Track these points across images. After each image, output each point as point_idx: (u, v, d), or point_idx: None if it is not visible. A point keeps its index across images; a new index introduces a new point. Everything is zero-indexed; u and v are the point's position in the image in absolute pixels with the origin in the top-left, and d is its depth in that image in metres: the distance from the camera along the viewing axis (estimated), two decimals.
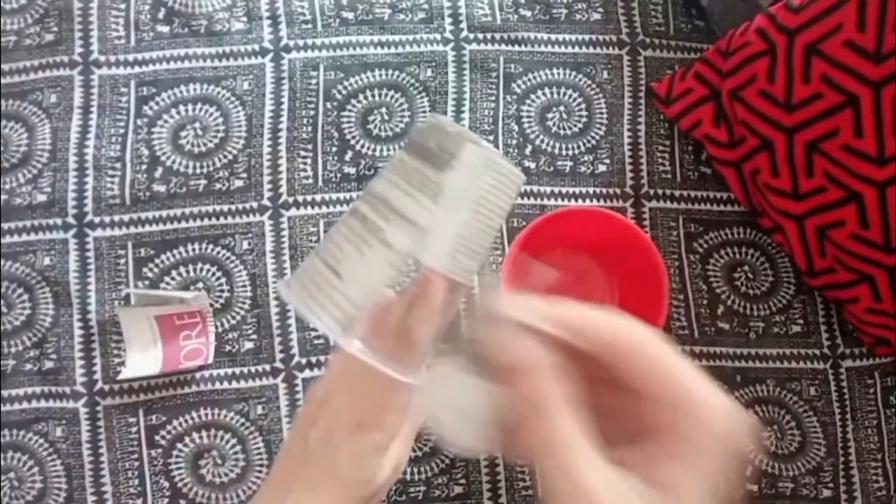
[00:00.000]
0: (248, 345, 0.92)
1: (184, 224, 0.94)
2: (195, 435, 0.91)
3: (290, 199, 0.95)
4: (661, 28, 1.02)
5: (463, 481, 0.91)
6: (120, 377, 0.87)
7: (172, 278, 0.93)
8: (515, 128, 0.99)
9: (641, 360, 0.41)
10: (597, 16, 1.02)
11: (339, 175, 0.96)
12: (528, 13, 1.01)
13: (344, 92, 0.98)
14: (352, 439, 0.53)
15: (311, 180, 0.96)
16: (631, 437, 0.41)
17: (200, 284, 0.93)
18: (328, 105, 0.98)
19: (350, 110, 0.98)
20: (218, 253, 0.94)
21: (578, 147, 0.99)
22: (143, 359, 0.87)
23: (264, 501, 0.58)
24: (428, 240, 0.51)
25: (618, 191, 0.98)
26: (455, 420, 0.46)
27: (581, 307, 0.42)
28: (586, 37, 1.01)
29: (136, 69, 0.98)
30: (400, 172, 0.52)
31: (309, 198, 0.95)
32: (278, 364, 0.92)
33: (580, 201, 0.97)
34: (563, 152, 0.98)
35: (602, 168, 0.98)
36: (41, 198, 0.94)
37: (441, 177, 0.51)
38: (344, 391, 0.55)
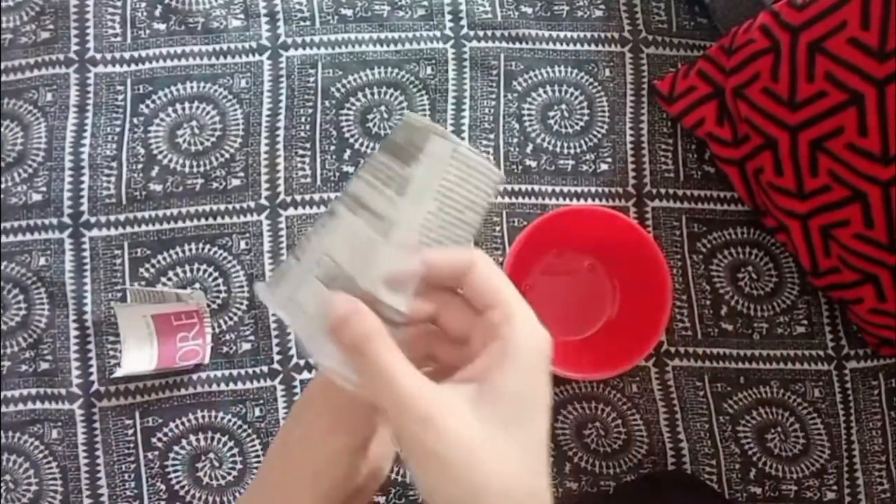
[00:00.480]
0: (246, 346, 0.92)
1: (180, 224, 0.93)
2: (192, 437, 0.90)
3: (288, 199, 0.94)
4: (663, 25, 1.01)
5: None
6: (115, 375, 0.86)
7: (169, 279, 0.93)
8: (516, 126, 0.98)
9: (485, 282, 0.50)
10: (599, 13, 1.01)
11: (337, 174, 0.95)
12: (529, 10, 1.01)
13: (342, 90, 0.97)
14: (327, 440, 0.54)
15: (309, 179, 0.95)
16: (469, 353, 0.49)
17: (197, 285, 0.93)
18: (327, 103, 0.97)
19: (349, 108, 0.97)
20: (215, 253, 0.93)
21: (580, 146, 0.98)
22: (139, 357, 0.87)
23: (248, 500, 0.59)
24: (392, 232, 0.52)
25: (620, 190, 0.97)
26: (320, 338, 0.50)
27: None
28: (588, 34, 1.01)
29: (133, 67, 0.97)
30: (370, 169, 0.53)
31: (307, 197, 0.95)
32: (276, 366, 0.92)
33: (582, 200, 0.96)
34: (565, 151, 0.98)
35: (604, 167, 0.98)
36: (36, 197, 0.93)
37: (407, 170, 0.52)
38: (324, 392, 0.56)
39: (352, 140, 0.96)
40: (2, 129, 0.95)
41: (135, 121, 0.95)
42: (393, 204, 0.52)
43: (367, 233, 0.52)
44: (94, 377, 0.91)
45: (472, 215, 0.53)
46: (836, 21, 0.76)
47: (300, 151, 0.95)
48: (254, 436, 0.90)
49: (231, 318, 0.92)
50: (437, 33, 1.00)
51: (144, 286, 0.92)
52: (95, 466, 0.90)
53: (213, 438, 0.90)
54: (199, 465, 0.90)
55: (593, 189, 0.97)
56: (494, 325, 0.48)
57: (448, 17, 1.00)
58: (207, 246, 0.93)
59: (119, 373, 0.85)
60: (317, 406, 0.56)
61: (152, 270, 0.92)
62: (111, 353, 0.90)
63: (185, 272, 0.93)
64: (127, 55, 0.97)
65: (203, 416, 0.91)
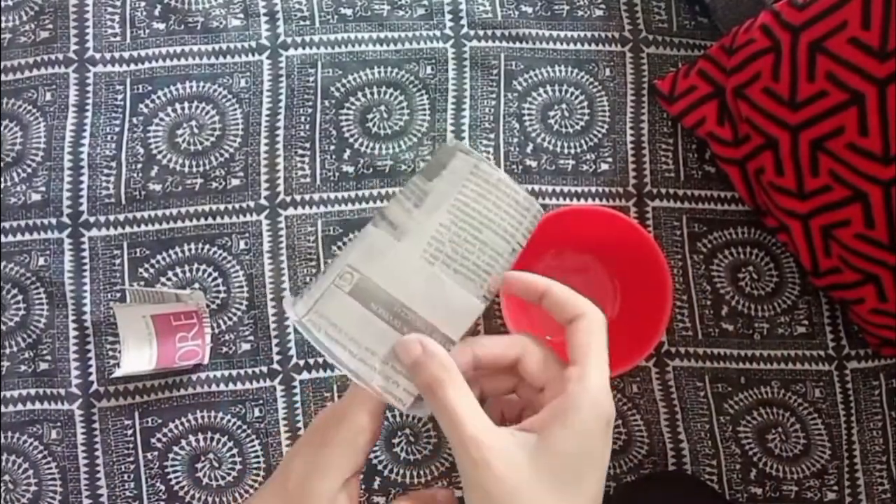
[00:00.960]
0: (245, 346, 0.92)
1: (180, 224, 0.93)
2: (191, 438, 0.90)
3: (288, 199, 0.94)
4: (664, 25, 1.01)
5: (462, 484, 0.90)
6: (114, 375, 0.86)
7: (168, 279, 0.92)
8: (517, 126, 0.98)
9: (583, 339, 0.54)
10: (599, 12, 1.01)
11: (337, 174, 0.95)
12: (530, 9, 1.00)
13: (342, 89, 0.97)
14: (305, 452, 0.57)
15: (308, 179, 0.95)
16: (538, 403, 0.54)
17: (197, 285, 0.92)
18: (326, 103, 0.97)
19: (349, 108, 0.97)
20: (214, 253, 0.93)
21: (580, 145, 0.98)
22: (138, 356, 0.86)
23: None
24: (403, 239, 0.54)
25: (620, 190, 0.97)
26: (348, 344, 0.53)
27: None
28: (588, 34, 1.00)
29: (132, 67, 0.97)
30: (403, 188, 0.56)
31: (307, 197, 0.95)
32: (275, 366, 0.91)
33: (582, 200, 0.96)
34: (565, 151, 0.98)
35: (604, 167, 0.97)
36: (35, 197, 0.93)
37: (429, 185, 0.54)
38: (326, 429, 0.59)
39: (351, 140, 0.96)
40: (1, 129, 0.95)
41: (134, 120, 0.95)
42: (409, 214, 0.54)
43: (383, 240, 0.53)
44: (93, 377, 0.90)
45: (491, 236, 0.54)
46: (836, 21, 0.76)
47: (300, 151, 0.95)
48: (253, 436, 0.90)
49: (230, 319, 0.92)
50: (437, 33, 0.99)
51: (144, 286, 0.92)
52: (95, 467, 0.90)
53: (212, 439, 0.90)
54: (199, 465, 0.90)
55: (593, 189, 0.97)
56: (567, 380, 0.51)
57: (448, 16, 1.00)
58: (207, 246, 0.93)
59: (118, 373, 0.85)
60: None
61: (151, 270, 0.92)
62: (110, 353, 0.90)
63: (184, 272, 0.93)
64: (126, 55, 0.97)
65: (202, 417, 0.91)
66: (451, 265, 0.53)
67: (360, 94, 0.97)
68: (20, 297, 0.92)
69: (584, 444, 0.50)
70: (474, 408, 0.51)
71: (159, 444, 0.90)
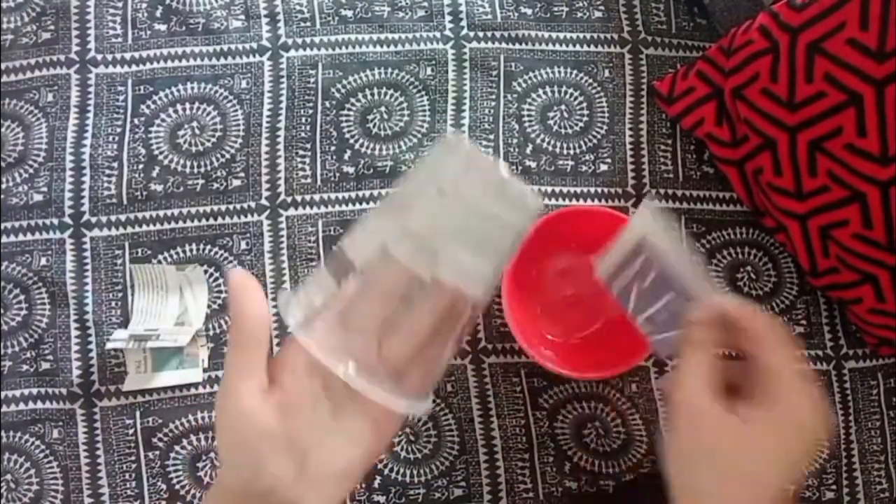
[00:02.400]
0: None
1: (181, 224, 0.93)
2: (192, 437, 0.91)
3: (289, 199, 0.95)
4: (662, 26, 1.02)
5: (463, 483, 0.90)
6: (126, 389, 0.88)
7: (175, 267, 0.93)
8: (516, 127, 0.98)
9: (774, 349, 0.61)
10: (598, 14, 1.01)
11: (337, 174, 0.95)
12: (529, 11, 1.01)
13: (343, 91, 0.98)
14: None
15: (309, 180, 0.95)
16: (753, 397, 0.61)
17: (196, 265, 0.93)
18: (327, 104, 0.97)
19: (349, 109, 0.97)
20: (216, 253, 0.93)
21: (580, 146, 0.98)
22: (137, 379, 0.89)
23: None
24: (381, 204, 0.55)
25: (619, 190, 0.97)
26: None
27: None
28: (587, 35, 1.01)
29: (134, 68, 0.97)
30: None
31: (307, 197, 0.95)
32: None
33: (582, 201, 0.97)
34: (565, 151, 0.98)
35: (603, 167, 0.98)
36: (38, 197, 0.94)
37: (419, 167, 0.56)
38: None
39: (352, 140, 0.96)
40: (2, 130, 0.95)
41: (136, 121, 0.95)
42: (396, 190, 0.55)
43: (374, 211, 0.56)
44: (94, 377, 0.91)
45: (473, 216, 0.53)
46: (835, 22, 0.76)
47: (300, 152, 0.96)
48: None
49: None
50: (437, 34, 1.00)
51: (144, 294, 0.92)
52: (96, 466, 0.90)
53: (213, 438, 0.90)
54: (200, 464, 0.91)
55: (593, 189, 0.97)
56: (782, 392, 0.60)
57: (448, 17, 1.00)
58: (208, 246, 0.93)
59: (127, 386, 0.86)
60: None
61: (155, 264, 0.93)
62: (112, 352, 0.90)
63: (186, 268, 0.93)
64: (128, 56, 0.97)
65: (203, 417, 0.91)
66: (381, 208, 0.55)
67: (360, 95, 0.98)
68: (22, 297, 0.92)
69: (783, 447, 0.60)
70: (704, 375, 0.62)
71: (160, 444, 0.91)
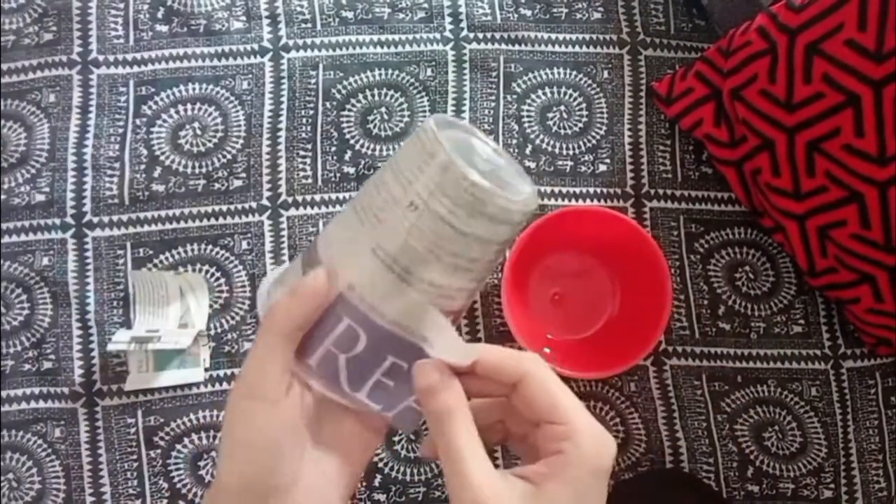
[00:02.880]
0: (248, 345, 0.92)
1: (183, 224, 0.94)
2: (194, 436, 0.91)
3: (290, 199, 0.95)
4: (661, 27, 1.02)
5: None
6: (127, 388, 0.88)
7: (173, 273, 0.93)
8: (516, 127, 0.98)
9: (538, 390, 0.51)
10: (597, 15, 1.02)
11: (338, 175, 0.96)
12: (529, 12, 1.01)
13: (343, 91, 0.98)
14: None
15: (310, 180, 0.96)
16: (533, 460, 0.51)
17: (197, 271, 0.93)
18: (327, 105, 0.97)
19: (350, 110, 0.98)
20: (217, 253, 0.94)
21: (579, 147, 0.98)
22: (139, 378, 0.90)
23: None
24: (351, 201, 0.54)
25: (618, 190, 0.98)
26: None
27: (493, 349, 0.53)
28: (587, 36, 1.01)
29: (135, 69, 0.97)
30: None
31: (308, 198, 0.95)
32: None
33: (581, 201, 0.97)
34: (564, 152, 0.98)
35: (602, 168, 0.98)
36: (40, 198, 0.94)
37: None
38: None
39: (352, 141, 0.97)
40: (4, 131, 0.95)
41: (137, 122, 0.96)
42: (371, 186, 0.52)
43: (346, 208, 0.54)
44: (96, 376, 0.91)
45: (391, 177, 0.51)
46: (833, 23, 0.77)
47: (301, 152, 0.96)
48: None
49: (233, 318, 0.93)
50: (437, 35, 1.00)
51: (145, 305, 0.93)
52: (98, 465, 0.90)
53: (215, 437, 0.91)
54: (201, 463, 0.91)
55: (592, 190, 0.98)
56: (556, 438, 0.50)
57: (448, 19, 1.00)
58: (210, 246, 0.94)
59: (129, 385, 0.87)
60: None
61: (155, 270, 0.93)
62: (114, 352, 0.91)
63: (187, 272, 0.93)
64: (129, 57, 0.97)
65: (205, 416, 0.91)
66: (356, 207, 0.52)
67: (360, 96, 0.98)
68: (24, 297, 0.92)
69: (582, 501, 0.49)
70: (478, 448, 0.49)
71: (162, 443, 0.91)
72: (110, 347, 0.88)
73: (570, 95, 1.00)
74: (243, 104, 0.97)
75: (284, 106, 0.97)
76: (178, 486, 0.90)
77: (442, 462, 0.49)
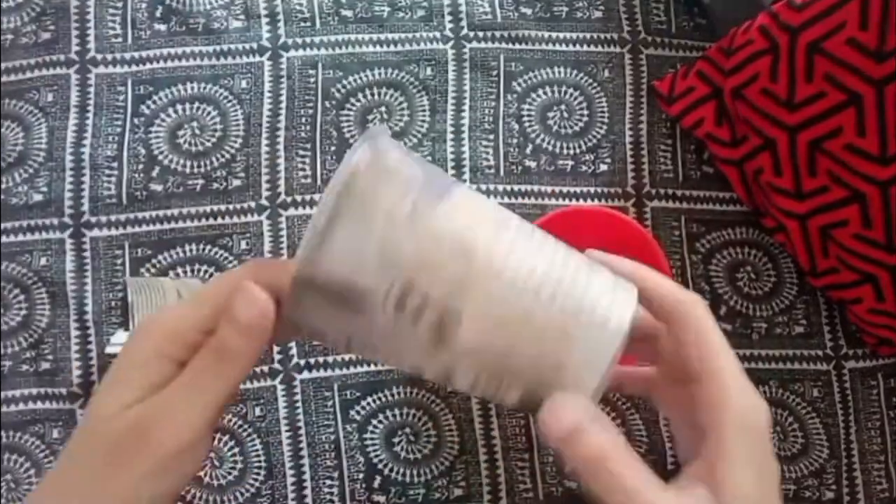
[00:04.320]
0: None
1: (181, 224, 0.94)
2: None
3: (289, 199, 0.95)
4: (662, 26, 1.02)
5: (463, 483, 0.90)
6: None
7: (170, 278, 0.93)
8: (516, 127, 0.98)
9: (696, 337, 0.48)
10: (598, 14, 1.02)
11: None
12: (529, 11, 1.01)
13: (343, 91, 0.98)
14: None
15: (309, 180, 0.95)
16: (695, 441, 0.46)
17: (196, 279, 0.93)
18: (327, 104, 0.97)
19: (349, 109, 0.97)
20: (216, 253, 0.93)
21: (579, 146, 0.98)
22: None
23: None
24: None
25: (619, 190, 0.97)
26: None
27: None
28: (587, 35, 1.01)
29: (133, 68, 0.97)
30: None
31: (307, 197, 0.95)
32: (276, 365, 0.92)
33: (581, 201, 0.97)
34: (564, 151, 0.98)
35: (603, 167, 0.98)
36: (37, 197, 0.94)
37: None
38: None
39: (352, 141, 0.96)
40: (2, 130, 0.95)
41: (135, 121, 0.96)
42: None
43: None
44: (94, 377, 0.91)
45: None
46: (834, 22, 0.77)
47: (300, 152, 0.96)
48: (254, 435, 0.91)
49: None
50: (437, 34, 1.00)
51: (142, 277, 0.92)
52: None
53: (213, 437, 0.91)
54: None
55: (593, 189, 0.97)
56: (708, 406, 0.46)
57: (448, 18, 1.00)
58: (208, 246, 0.93)
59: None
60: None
61: (153, 270, 0.93)
62: (112, 353, 0.91)
63: (185, 272, 0.93)
64: (128, 56, 0.97)
65: None
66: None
67: (360, 95, 0.98)
68: (22, 297, 0.92)
69: (762, 479, 0.45)
70: (651, 478, 0.44)
71: None
72: (109, 350, 0.88)
73: (571, 94, 0.99)
74: (242, 103, 0.97)
75: (283, 105, 0.97)
76: None
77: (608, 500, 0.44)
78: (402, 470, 0.91)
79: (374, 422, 0.91)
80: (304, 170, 0.95)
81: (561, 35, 1.01)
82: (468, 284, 0.45)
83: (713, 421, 0.45)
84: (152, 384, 0.46)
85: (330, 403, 0.91)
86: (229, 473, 0.90)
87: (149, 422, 0.44)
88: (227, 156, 0.95)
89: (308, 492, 0.90)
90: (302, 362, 0.92)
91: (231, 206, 0.94)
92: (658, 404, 0.54)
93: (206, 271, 0.93)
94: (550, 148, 0.98)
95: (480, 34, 1.00)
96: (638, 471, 0.44)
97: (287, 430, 0.91)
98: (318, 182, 0.95)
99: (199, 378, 0.46)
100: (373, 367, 0.92)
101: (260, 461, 0.90)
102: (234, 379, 0.47)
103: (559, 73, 1.00)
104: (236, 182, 0.95)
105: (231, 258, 0.93)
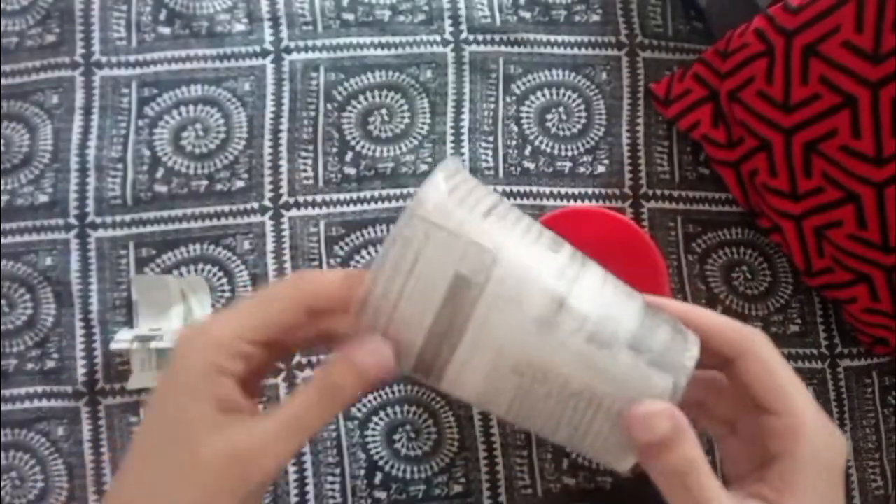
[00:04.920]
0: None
1: (185, 224, 0.94)
2: None
3: (291, 200, 0.96)
4: (659, 29, 1.03)
5: (463, 480, 0.91)
6: (130, 387, 0.89)
7: (174, 278, 0.93)
8: (515, 129, 0.99)
9: (762, 370, 0.48)
10: (596, 17, 1.03)
11: (339, 175, 0.96)
12: (528, 15, 1.02)
13: (344, 93, 0.99)
14: None
15: (311, 181, 0.96)
16: (761, 463, 0.47)
17: (201, 277, 0.94)
18: (329, 106, 0.98)
19: (350, 111, 0.98)
20: (219, 253, 0.94)
21: (577, 148, 0.99)
22: (142, 377, 0.90)
23: None
24: None
25: (616, 191, 0.98)
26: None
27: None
28: (585, 38, 1.02)
29: (138, 70, 0.98)
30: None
31: (310, 198, 0.96)
32: (279, 364, 0.92)
33: (579, 202, 0.98)
34: (563, 153, 0.99)
35: (601, 169, 0.99)
36: (43, 198, 0.94)
37: None
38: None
39: (353, 142, 0.97)
40: (5, 132, 0.96)
41: (140, 123, 0.96)
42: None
43: None
44: (99, 375, 0.91)
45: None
46: (830, 25, 0.77)
47: (303, 153, 0.97)
48: None
49: None
50: (438, 38, 1.01)
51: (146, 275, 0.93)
52: (101, 463, 0.91)
53: None
54: None
55: (590, 190, 0.98)
56: (782, 437, 0.46)
57: (448, 21, 1.01)
58: (212, 246, 0.94)
59: (132, 384, 0.89)
60: None
61: (157, 270, 0.93)
62: (117, 351, 0.91)
63: (189, 272, 0.94)
64: (132, 58, 0.98)
65: None
66: None
67: (361, 98, 0.99)
68: (28, 297, 0.93)
69: None
70: (723, 491, 0.45)
71: None
72: (113, 346, 0.88)
73: (569, 97, 1.00)
74: (245, 106, 0.97)
75: (286, 107, 0.97)
76: None
77: None
78: (402, 467, 0.92)
79: (375, 419, 0.92)
80: (306, 171, 0.96)
81: (559, 38, 1.02)
82: None
83: (786, 451, 0.45)
84: (218, 397, 0.45)
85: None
86: None
87: (254, 453, 0.44)
88: (231, 157, 0.96)
89: (310, 488, 0.90)
90: (304, 360, 0.93)
91: (234, 207, 0.95)
92: (710, 428, 0.54)
93: (209, 271, 0.94)
94: (549, 149, 0.99)
95: (480, 37, 1.01)
96: (718, 489, 0.45)
97: None
98: (320, 183, 0.96)
99: (307, 415, 0.46)
100: None
101: None
102: (332, 419, 0.47)
103: (557, 75, 1.01)
104: (239, 183, 0.96)
105: (234, 258, 0.94)
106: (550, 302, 0.46)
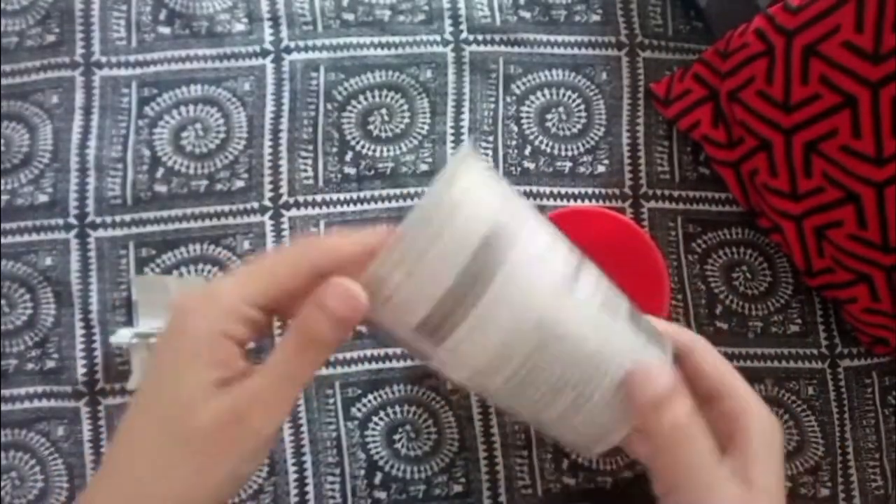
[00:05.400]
0: (249, 343, 0.92)
1: (185, 224, 0.94)
2: None
3: (291, 200, 0.96)
4: (659, 30, 1.03)
5: (463, 480, 0.91)
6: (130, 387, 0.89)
7: (174, 278, 0.93)
8: (515, 128, 0.99)
9: (711, 363, 0.54)
10: (596, 17, 1.03)
11: (339, 175, 0.96)
12: (528, 15, 1.02)
13: (344, 93, 0.98)
14: None
15: (311, 181, 0.96)
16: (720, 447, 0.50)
17: (200, 278, 0.94)
18: (328, 106, 0.98)
19: (350, 111, 0.98)
20: (219, 253, 0.94)
21: (577, 148, 0.99)
22: (142, 377, 0.89)
23: None
24: None
25: (616, 191, 0.98)
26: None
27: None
28: (585, 38, 1.02)
29: (138, 70, 0.98)
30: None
31: (309, 198, 0.96)
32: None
33: (579, 202, 0.98)
34: (563, 153, 0.99)
35: (601, 169, 0.99)
36: (43, 198, 0.94)
37: None
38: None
39: (353, 142, 0.97)
40: (5, 132, 0.96)
41: (140, 123, 0.96)
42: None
43: None
44: (99, 375, 0.91)
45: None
46: (830, 24, 0.77)
47: (303, 153, 0.97)
48: None
49: None
50: (438, 37, 1.01)
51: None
52: (100, 463, 0.90)
53: None
54: None
55: (590, 190, 0.98)
56: (734, 416, 0.51)
57: (448, 21, 1.01)
58: (212, 246, 0.94)
59: (131, 384, 0.89)
60: None
61: (157, 270, 0.93)
62: (116, 351, 0.91)
63: (189, 272, 0.94)
64: (132, 58, 0.98)
65: None
66: None
67: (361, 98, 0.99)
68: (28, 297, 0.93)
69: (780, 481, 0.50)
70: (712, 453, 0.49)
71: None
72: (112, 340, 0.88)
73: (569, 97, 1.00)
74: (245, 105, 0.97)
75: (286, 107, 0.97)
76: None
77: (677, 478, 0.49)
78: (402, 467, 0.92)
79: (375, 419, 0.92)
80: (305, 171, 0.96)
81: (559, 38, 1.02)
82: None
83: (742, 427, 0.50)
84: (221, 362, 0.47)
85: (331, 401, 0.92)
86: None
87: (245, 410, 0.45)
88: (231, 157, 0.96)
89: (310, 488, 0.90)
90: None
91: (234, 207, 0.95)
92: None
93: (209, 271, 0.94)
94: (549, 149, 0.99)
95: (480, 37, 1.01)
96: (713, 460, 0.49)
97: (289, 427, 0.92)
98: (320, 183, 0.96)
99: (289, 366, 0.47)
100: (374, 366, 0.93)
101: (263, 460, 0.91)
102: (319, 366, 0.48)
103: (557, 75, 1.01)
104: (239, 183, 0.96)
105: (234, 258, 0.94)
106: (571, 266, 0.50)
